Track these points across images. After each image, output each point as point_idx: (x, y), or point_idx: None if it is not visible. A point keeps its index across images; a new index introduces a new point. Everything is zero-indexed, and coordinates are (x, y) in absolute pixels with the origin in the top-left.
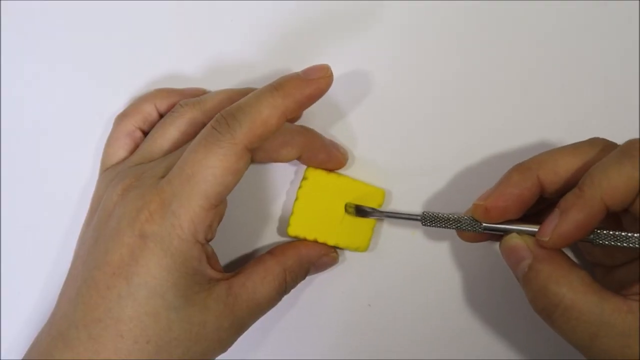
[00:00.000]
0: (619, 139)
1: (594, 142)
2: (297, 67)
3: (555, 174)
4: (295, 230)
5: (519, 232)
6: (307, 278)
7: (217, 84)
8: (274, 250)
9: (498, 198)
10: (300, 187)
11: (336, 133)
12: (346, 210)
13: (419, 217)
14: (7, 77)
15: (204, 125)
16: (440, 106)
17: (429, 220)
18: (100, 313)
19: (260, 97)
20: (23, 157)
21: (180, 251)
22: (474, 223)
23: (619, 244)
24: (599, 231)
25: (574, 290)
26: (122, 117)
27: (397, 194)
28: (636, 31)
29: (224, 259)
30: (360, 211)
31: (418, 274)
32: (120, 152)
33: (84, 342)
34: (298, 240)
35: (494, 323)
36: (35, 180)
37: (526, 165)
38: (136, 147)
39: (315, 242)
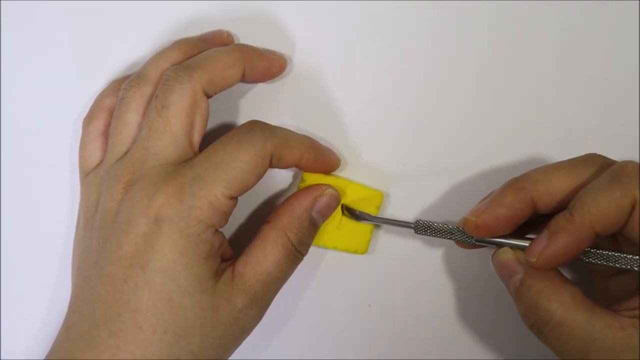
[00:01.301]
0: (619, 139)
1: (589, 161)
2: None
3: (549, 194)
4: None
5: (511, 246)
6: (307, 278)
7: None
8: (268, 217)
9: (489, 217)
10: (298, 189)
11: (336, 135)
12: (342, 213)
13: (412, 225)
14: (7, 76)
15: (152, 97)
16: (441, 108)
17: (421, 228)
18: (120, 307)
19: (219, 50)
20: (23, 157)
21: (196, 233)
22: (466, 234)
23: (609, 263)
24: (590, 250)
25: (564, 307)
26: (89, 119)
27: (396, 196)
28: (636, 31)
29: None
30: (354, 215)
31: (418, 274)
32: (96, 153)
33: (106, 339)
34: (289, 196)
35: (494, 323)
36: (36, 180)
37: (520, 184)
38: None
39: (305, 189)
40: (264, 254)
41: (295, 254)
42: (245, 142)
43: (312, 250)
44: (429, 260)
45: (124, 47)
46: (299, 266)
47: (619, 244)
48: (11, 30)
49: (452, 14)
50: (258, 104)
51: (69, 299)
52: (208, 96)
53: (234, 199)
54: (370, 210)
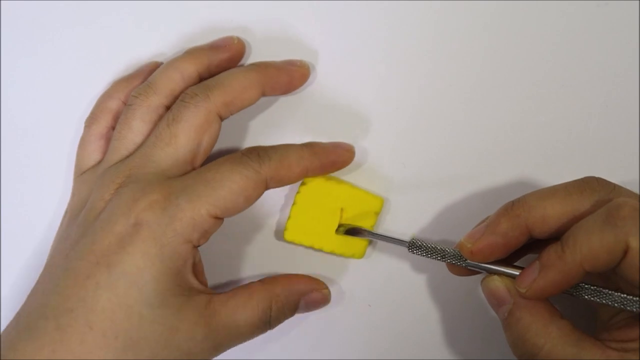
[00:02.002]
0: (619, 140)
1: (586, 189)
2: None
3: (544, 222)
4: (291, 235)
5: (502, 274)
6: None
7: None
8: (264, 279)
9: (484, 244)
10: (298, 192)
11: (336, 135)
12: (337, 231)
13: (406, 244)
14: (6, 76)
15: (165, 107)
16: (443, 109)
17: (415, 248)
18: (74, 303)
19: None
20: (23, 158)
21: (170, 245)
22: (459, 257)
23: (598, 300)
24: (580, 284)
25: (552, 342)
26: (91, 120)
27: (397, 204)
28: (636, 31)
29: (220, 261)
30: (349, 232)
31: (418, 274)
32: (95, 154)
33: (50, 332)
34: (291, 274)
35: (495, 324)
36: (35, 180)
37: (515, 211)
38: None
39: (308, 276)
40: (244, 307)
41: (265, 324)
42: (240, 165)
43: (312, 250)
44: (429, 260)
45: (126, 47)
46: (299, 265)
47: (615, 277)
48: (11, 30)
49: (453, 17)
50: (257, 105)
51: None
52: (222, 118)
53: (219, 219)
54: (369, 216)
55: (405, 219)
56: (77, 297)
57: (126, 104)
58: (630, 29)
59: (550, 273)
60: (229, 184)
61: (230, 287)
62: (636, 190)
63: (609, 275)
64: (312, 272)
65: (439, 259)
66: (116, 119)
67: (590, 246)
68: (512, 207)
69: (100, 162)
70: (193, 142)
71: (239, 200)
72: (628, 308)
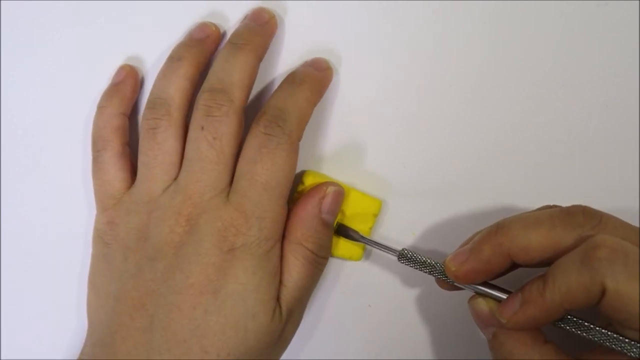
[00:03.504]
0: (619, 140)
1: (570, 222)
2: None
3: (527, 253)
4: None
5: (488, 295)
6: None
7: None
8: (284, 232)
9: (467, 269)
10: (296, 191)
11: (337, 135)
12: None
13: (396, 253)
14: (6, 76)
15: (186, 117)
16: (443, 109)
17: (405, 258)
18: (185, 334)
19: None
20: (23, 158)
21: (265, 251)
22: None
23: (580, 333)
24: (564, 317)
25: None
26: (103, 144)
27: (396, 204)
28: (636, 31)
29: None
30: (344, 234)
31: (418, 274)
32: (120, 174)
33: None
34: (295, 205)
35: None
36: (36, 180)
37: (498, 239)
38: (131, 164)
39: (309, 192)
40: (289, 272)
41: (318, 260)
42: (275, 150)
43: None
44: None
45: (126, 47)
46: None
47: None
48: (11, 30)
49: (453, 17)
50: (256, 105)
51: (87, 323)
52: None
53: (286, 203)
54: (367, 218)
55: (404, 220)
56: (188, 329)
57: (148, 127)
58: (630, 29)
59: (530, 309)
60: (282, 174)
61: None
62: (636, 190)
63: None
64: None
65: (427, 273)
66: (125, 134)
67: (568, 286)
68: (495, 234)
69: (127, 180)
70: (236, 148)
71: (293, 175)
72: (608, 344)
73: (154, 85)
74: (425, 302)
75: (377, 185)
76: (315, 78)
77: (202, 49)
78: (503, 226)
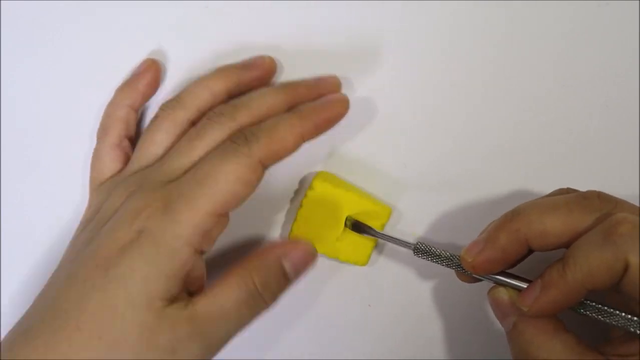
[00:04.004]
0: (619, 139)
1: (587, 205)
2: (299, 67)
3: (543, 237)
4: (296, 237)
5: (508, 285)
6: (307, 278)
7: None
8: (240, 260)
9: (484, 258)
10: (305, 196)
11: (338, 134)
12: (345, 223)
13: (411, 246)
14: (6, 76)
15: (190, 122)
16: (445, 116)
17: (421, 252)
18: (70, 304)
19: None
20: (23, 158)
21: (169, 247)
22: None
23: (601, 318)
24: (584, 302)
25: (555, 356)
26: (103, 132)
27: (399, 204)
28: (636, 31)
29: (227, 263)
30: (357, 227)
31: (418, 275)
32: (113, 164)
33: (45, 334)
34: (267, 244)
35: (496, 325)
36: (36, 180)
37: (514, 225)
38: (127, 157)
39: (283, 240)
40: (222, 290)
41: (258, 298)
42: (229, 153)
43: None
44: (430, 262)
45: (126, 47)
46: None
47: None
48: (11, 30)
49: (454, 18)
50: None
51: None
52: None
53: (222, 215)
54: (375, 225)
55: (408, 220)
56: (73, 299)
57: (154, 116)
58: (631, 29)
59: (551, 292)
60: (222, 176)
61: None
62: (637, 190)
63: (616, 292)
64: (313, 272)
65: (445, 265)
66: (128, 127)
67: (590, 265)
68: (510, 220)
69: (118, 172)
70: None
71: (237, 190)
72: (631, 329)
73: (191, 82)
74: (425, 302)
75: (379, 185)
76: (314, 109)
77: (243, 73)
78: (518, 213)
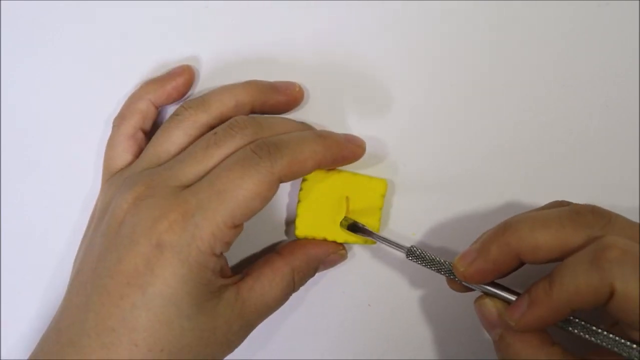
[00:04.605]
0: (619, 139)
1: (579, 222)
2: (299, 67)
3: (535, 253)
4: (302, 232)
5: (497, 296)
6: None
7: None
8: (281, 250)
9: (475, 269)
10: (301, 189)
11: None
12: (341, 225)
13: (404, 250)
14: (6, 76)
15: (209, 127)
16: (445, 116)
17: (413, 256)
18: (114, 322)
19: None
20: (23, 157)
21: (197, 262)
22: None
23: (587, 337)
24: (571, 319)
25: None
26: (120, 120)
27: (397, 204)
28: (637, 31)
29: (232, 262)
30: (353, 228)
31: (418, 275)
32: (125, 155)
33: (97, 350)
34: (306, 239)
35: None
36: (36, 180)
37: (506, 239)
38: (139, 149)
39: (324, 240)
40: (270, 286)
41: (291, 293)
42: (251, 168)
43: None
44: None
45: (126, 47)
46: None
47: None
48: (11, 30)
49: (453, 17)
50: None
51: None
52: None
53: (238, 226)
54: (376, 199)
55: (405, 221)
56: (116, 318)
57: (173, 113)
58: (631, 29)
59: (537, 309)
60: (242, 192)
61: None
62: (637, 190)
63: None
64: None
65: (435, 271)
66: (145, 120)
67: (576, 286)
68: (502, 234)
69: (130, 163)
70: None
71: (255, 205)
72: (615, 349)
73: (219, 88)
74: (425, 302)
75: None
76: (338, 143)
77: (271, 93)
78: (510, 226)
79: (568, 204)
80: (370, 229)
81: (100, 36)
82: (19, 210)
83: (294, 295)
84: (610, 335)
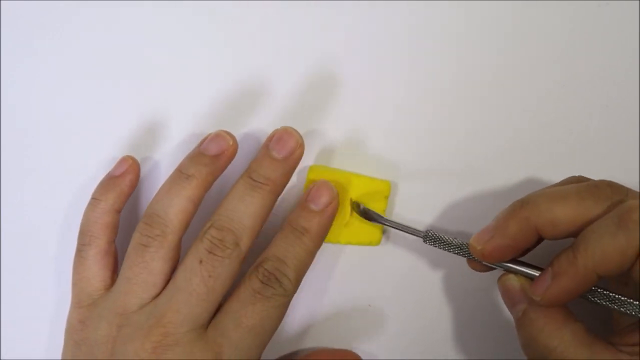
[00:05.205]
0: (619, 139)
1: (599, 194)
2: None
3: (553, 225)
4: None
5: (520, 273)
6: (306, 278)
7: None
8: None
9: (493, 246)
10: (304, 190)
11: (339, 132)
12: (352, 209)
13: (421, 234)
14: (6, 76)
15: (180, 241)
16: (445, 116)
17: (430, 239)
18: None
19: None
20: (23, 158)
21: None
22: None
23: (612, 305)
24: (595, 289)
25: (565, 344)
26: (89, 239)
27: (406, 193)
28: (637, 31)
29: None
30: (365, 214)
31: (418, 274)
32: (101, 272)
33: None
34: (332, 351)
35: (497, 324)
36: (36, 180)
37: (524, 213)
38: (115, 261)
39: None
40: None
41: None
42: (269, 300)
43: (325, 245)
44: (430, 260)
45: (126, 47)
46: None
47: (628, 281)
48: (11, 30)
49: (454, 17)
50: (256, 107)
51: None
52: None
53: None
54: (379, 201)
55: (409, 221)
56: None
57: (138, 242)
58: (631, 29)
59: (562, 280)
60: (270, 324)
61: None
62: (637, 190)
63: (627, 281)
64: (313, 272)
65: (454, 253)
66: (114, 230)
67: (602, 251)
68: (520, 209)
69: (108, 283)
70: (228, 288)
71: (276, 329)
72: (634, 314)
73: (155, 198)
74: (425, 301)
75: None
76: (318, 225)
77: (214, 168)
78: (529, 201)
79: (584, 179)
80: (385, 217)
81: (100, 36)
82: (19, 210)
83: (295, 296)
84: (636, 302)
